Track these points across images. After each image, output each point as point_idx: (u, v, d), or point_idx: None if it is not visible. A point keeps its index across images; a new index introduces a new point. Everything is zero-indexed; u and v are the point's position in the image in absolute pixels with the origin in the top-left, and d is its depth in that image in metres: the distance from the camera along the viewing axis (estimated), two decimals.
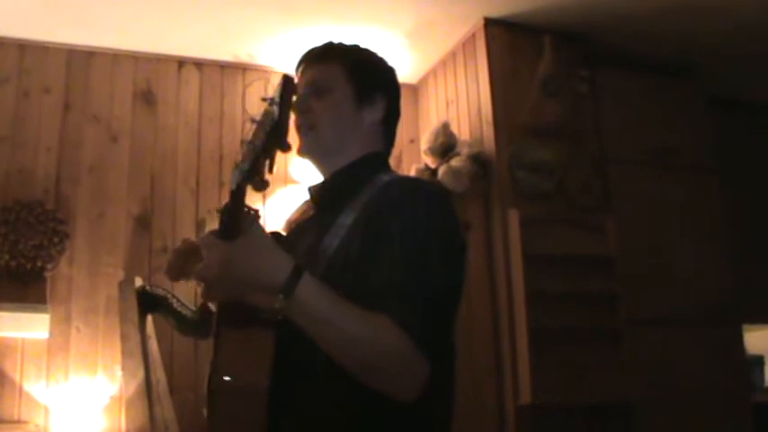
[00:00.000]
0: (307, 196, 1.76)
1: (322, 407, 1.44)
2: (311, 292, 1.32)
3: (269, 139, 1.33)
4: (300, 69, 1.72)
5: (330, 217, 1.57)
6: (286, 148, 1.33)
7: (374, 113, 1.70)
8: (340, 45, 1.76)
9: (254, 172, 1.36)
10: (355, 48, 1.78)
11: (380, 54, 1.80)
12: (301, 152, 1.68)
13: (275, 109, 1.32)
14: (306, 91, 1.67)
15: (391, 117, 1.75)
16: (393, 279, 1.39)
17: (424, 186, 1.62)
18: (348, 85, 1.68)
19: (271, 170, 1.35)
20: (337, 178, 1.66)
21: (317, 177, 1.72)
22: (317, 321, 1.33)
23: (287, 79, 1.33)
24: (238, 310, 1.39)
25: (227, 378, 1.39)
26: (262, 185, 1.37)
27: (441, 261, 1.44)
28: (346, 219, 1.53)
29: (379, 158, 1.71)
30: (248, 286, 1.33)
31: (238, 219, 1.39)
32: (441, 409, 1.53)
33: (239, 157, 1.41)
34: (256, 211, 1.43)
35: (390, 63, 1.81)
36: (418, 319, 1.35)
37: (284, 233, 1.79)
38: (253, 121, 1.39)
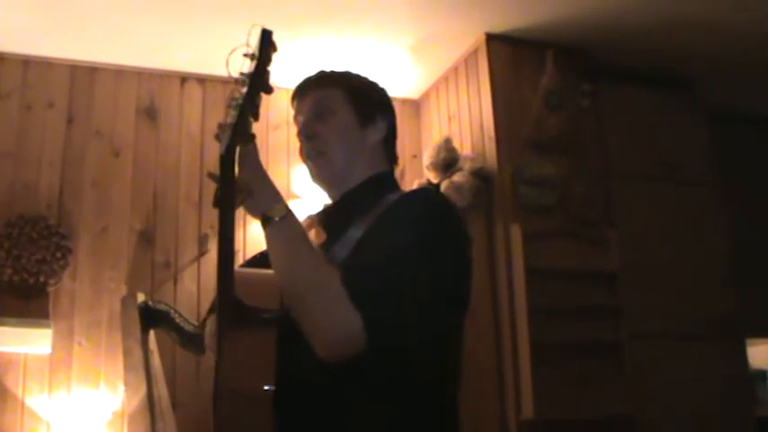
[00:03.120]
0: (307, 213, 1.77)
1: (326, 408, 1.45)
2: (299, 225, 1.47)
3: (252, 87, 1.39)
4: (297, 99, 1.74)
5: (340, 230, 1.59)
6: (269, 89, 1.41)
7: (376, 133, 1.72)
8: (333, 72, 1.78)
9: (241, 126, 1.40)
10: (349, 73, 1.79)
11: (372, 78, 1.82)
12: (313, 178, 1.71)
13: (255, 57, 1.39)
14: (309, 116, 1.69)
15: (391, 136, 1.77)
16: (361, 265, 1.43)
17: (425, 194, 1.66)
18: (350, 107, 1.70)
19: (256, 118, 1.42)
20: (347, 199, 1.68)
21: (322, 195, 1.73)
22: (289, 247, 1.43)
23: (265, 32, 1.41)
24: (239, 309, 1.41)
25: (231, 382, 1.37)
26: (249, 138, 1.44)
27: (419, 260, 1.45)
28: (356, 232, 1.55)
29: (386, 178, 1.73)
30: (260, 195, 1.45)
31: (233, 182, 1.43)
32: (439, 411, 1.54)
33: (224, 119, 1.44)
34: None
35: (382, 85, 1.82)
36: (365, 288, 1.37)
37: None
38: (236, 81, 1.43)
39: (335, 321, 1.35)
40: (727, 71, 4.41)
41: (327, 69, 1.78)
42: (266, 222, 1.44)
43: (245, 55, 1.42)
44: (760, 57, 4.24)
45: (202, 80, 4.28)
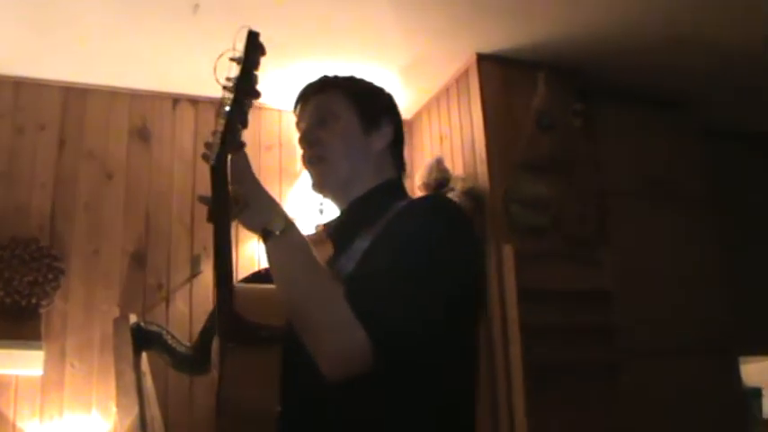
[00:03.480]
0: (311, 230, 1.73)
1: (331, 425, 1.40)
2: (301, 237, 1.40)
3: (239, 91, 1.33)
4: (300, 105, 1.70)
5: (346, 242, 1.54)
6: (256, 94, 1.35)
7: (382, 139, 1.67)
8: (336, 76, 1.73)
9: (230, 134, 1.35)
10: (352, 77, 1.75)
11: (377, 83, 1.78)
12: (315, 186, 1.66)
13: (241, 60, 1.34)
14: (311, 122, 1.65)
15: (398, 142, 1.72)
16: (365, 273, 1.39)
17: (433, 199, 1.62)
18: (353, 112, 1.65)
19: (244, 125, 1.35)
20: (354, 208, 1.62)
21: (319, 214, 1.70)
22: (291, 261, 1.37)
23: (251, 33, 1.34)
24: (239, 326, 1.38)
25: (234, 397, 1.35)
26: (239, 146, 1.38)
27: (427, 266, 1.39)
28: (362, 243, 1.49)
29: (394, 186, 1.67)
30: (257, 207, 1.40)
31: (226, 194, 1.39)
32: (451, 426, 1.49)
33: (215, 128, 1.39)
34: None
35: (388, 90, 1.78)
36: (370, 302, 1.31)
37: None
38: (224, 87, 1.37)
39: (339, 339, 1.30)
40: (719, 87, 4.42)
41: (330, 75, 1.73)
42: (266, 236, 1.39)
43: (232, 59, 1.37)
44: (750, 72, 4.26)
45: (195, 101, 4.28)
